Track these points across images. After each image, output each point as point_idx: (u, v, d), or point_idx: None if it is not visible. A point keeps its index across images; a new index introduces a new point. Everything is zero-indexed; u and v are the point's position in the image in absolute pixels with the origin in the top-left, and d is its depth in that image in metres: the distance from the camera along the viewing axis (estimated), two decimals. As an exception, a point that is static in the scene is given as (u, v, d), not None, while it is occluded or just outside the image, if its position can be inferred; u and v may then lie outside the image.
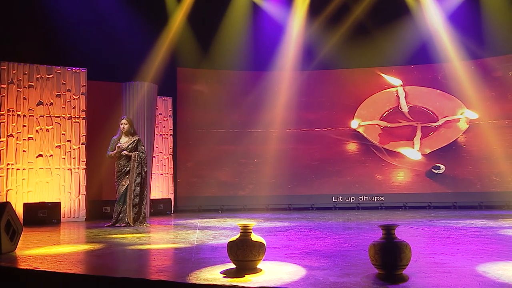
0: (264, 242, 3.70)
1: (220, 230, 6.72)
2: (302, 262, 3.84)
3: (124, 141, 8.03)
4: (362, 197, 11.54)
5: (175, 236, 6.22)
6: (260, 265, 3.69)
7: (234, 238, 3.68)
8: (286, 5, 11.71)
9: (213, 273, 3.45)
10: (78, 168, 9.18)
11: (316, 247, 4.83)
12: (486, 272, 3.29)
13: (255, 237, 3.67)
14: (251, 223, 3.72)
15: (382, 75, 11.83)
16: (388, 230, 3.36)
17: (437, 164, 11.38)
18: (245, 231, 3.68)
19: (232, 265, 3.65)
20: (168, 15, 11.18)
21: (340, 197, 11.60)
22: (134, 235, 6.31)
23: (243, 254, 3.57)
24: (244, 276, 3.32)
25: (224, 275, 3.36)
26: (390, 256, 3.24)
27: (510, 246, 4.46)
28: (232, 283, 3.09)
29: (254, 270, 3.55)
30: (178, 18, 11.12)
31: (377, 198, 11.48)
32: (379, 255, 3.27)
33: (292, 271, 3.46)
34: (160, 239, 5.81)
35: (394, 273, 3.25)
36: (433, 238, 5.46)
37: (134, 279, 3.24)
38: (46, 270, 3.56)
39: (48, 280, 3.43)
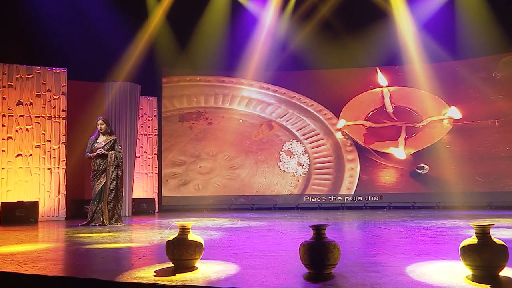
0: (202, 242, 3.74)
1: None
2: (242, 262, 3.87)
3: (101, 140, 8.13)
4: (347, 197, 11.56)
5: (140, 235, 6.28)
6: (199, 264, 3.73)
7: (171, 237, 3.73)
8: (270, 6, 11.71)
9: (148, 272, 3.49)
10: (58, 167, 9.26)
11: (270, 246, 4.87)
12: (413, 271, 3.32)
13: (192, 236, 3.71)
14: (189, 222, 3.77)
15: (378, 71, 11.81)
16: (318, 230, 3.39)
17: (421, 164, 11.37)
18: (183, 230, 3.73)
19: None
20: (152, 14, 11.20)
21: (325, 197, 11.64)
22: (101, 234, 6.36)
23: (179, 253, 3.61)
24: (174, 275, 3.36)
25: (156, 274, 3.41)
26: (317, 255, 3.27)
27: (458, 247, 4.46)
28: (156, 282, 3.13)
29: (190, 269, 3.59)
30: (161, 18, 11.17)
31: (361, 198, 11.50)
32: (307, 254, 3.31)
33: (224, 270, 3.49)
34: (123, 238, 5.85)
35: (322, 272, 3.28)
36: (390, 238, 5.48)
37: (65, 277, 3.29)
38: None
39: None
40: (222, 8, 11.55)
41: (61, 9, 9.74)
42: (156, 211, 11.04)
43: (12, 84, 8.99)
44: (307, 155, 11.91)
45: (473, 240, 3.15)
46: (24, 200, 8.68)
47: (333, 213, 10.08)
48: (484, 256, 3.05)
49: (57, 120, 9.34)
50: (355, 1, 11.11)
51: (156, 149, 11.54)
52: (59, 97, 9.39)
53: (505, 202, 10.56)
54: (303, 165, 11.88)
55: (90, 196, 9.14)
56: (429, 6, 11.02)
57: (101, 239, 5.77)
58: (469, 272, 3.16)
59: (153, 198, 11.07)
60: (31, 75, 9.17)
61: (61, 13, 9.72)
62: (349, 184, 11.67)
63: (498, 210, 10.08)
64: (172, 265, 3.67)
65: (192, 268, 3.60)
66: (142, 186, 11.18)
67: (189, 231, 3.73)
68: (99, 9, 10.03)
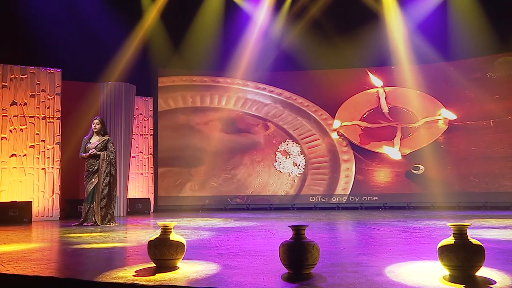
0: (184, 242, 3.75)
1: (181, 230, 6.75)
2: (225, 262, 3.88)
3: (95, 140, 8.14)
4: (342, 198, 11.57)
5: (131, 235, 6.29)
6: (182, 263, 3.74)
7: (153, 237, 3.74)
8: (265, 6, 11.71)
9: (129, 271, 3.50)
10: (52, 167, 9.28)
11: (256, 246, 4.87)
12: (391, 271, 3.33)
13: (174, 236, 3.72)
14: (171, 222, 3.78)
15: (369, 73, 11.82)
16: (298, 230, 3.40)
17: (417, 165, 11.38)
18: (165, 230, 3.74)
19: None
20: (146, 14, 11.21)
21: (321, 198, 11.65)
22: (92, 234, 6.37)
23: (160, 253, 3.62)
24: (154, 275, 3.37)
25: (135, 274, 3.42)
26: (296, 256, 3.28)
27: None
28: (134, 281, 3.14)
29: (171, 268, 3.60)
30: (156, 17, 11.19)
31: (357, 199, 11.50)
32: (287, 254, 3.32)
33: (204, 270, 3.50)
34: (112, 238, 5.86)
35: (300, 272, 3.29)
36: (378, 239, 5.49)
37: (44, 277, 3.30)
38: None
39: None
40: (217, 8, 11.56)
41: (55, 9, 9.75)
42: (152, 211, 11.05)
43: (6, 84, 9.02)
44: (303, 155, 11.92)
45: (450, 240, 3.16)
46: (17, 200, 8.70)
47: (327, 214, 10.08)
48: (460, 256, 3.05)
49: (51, 120, 9.36)
50: (352, 3, 11.11)
51: (152, 149, 11.56)
52: (54, 97, 9.41)
53: (500, 202, 10.56)
54: (299, 165, 11.90)
55: (84, 196, 9.18)
56: (423, 7, 11.02)
57: (90, 239, 5.79)
58: (446, 272, 3.16)
59: (148, 198, 11.08)
60: (26, 75, 9.20)
61: (56, 13, 9.74)
62: (345, 185, 11.68)
63: (493, 210, 10.08)
64: (155, 265, 3.69)
65: (173, 268, 3.61)
66: (137, 186, 11.19)
67: (171, 231, 3.74)
68: (94, 9, 10.04)
